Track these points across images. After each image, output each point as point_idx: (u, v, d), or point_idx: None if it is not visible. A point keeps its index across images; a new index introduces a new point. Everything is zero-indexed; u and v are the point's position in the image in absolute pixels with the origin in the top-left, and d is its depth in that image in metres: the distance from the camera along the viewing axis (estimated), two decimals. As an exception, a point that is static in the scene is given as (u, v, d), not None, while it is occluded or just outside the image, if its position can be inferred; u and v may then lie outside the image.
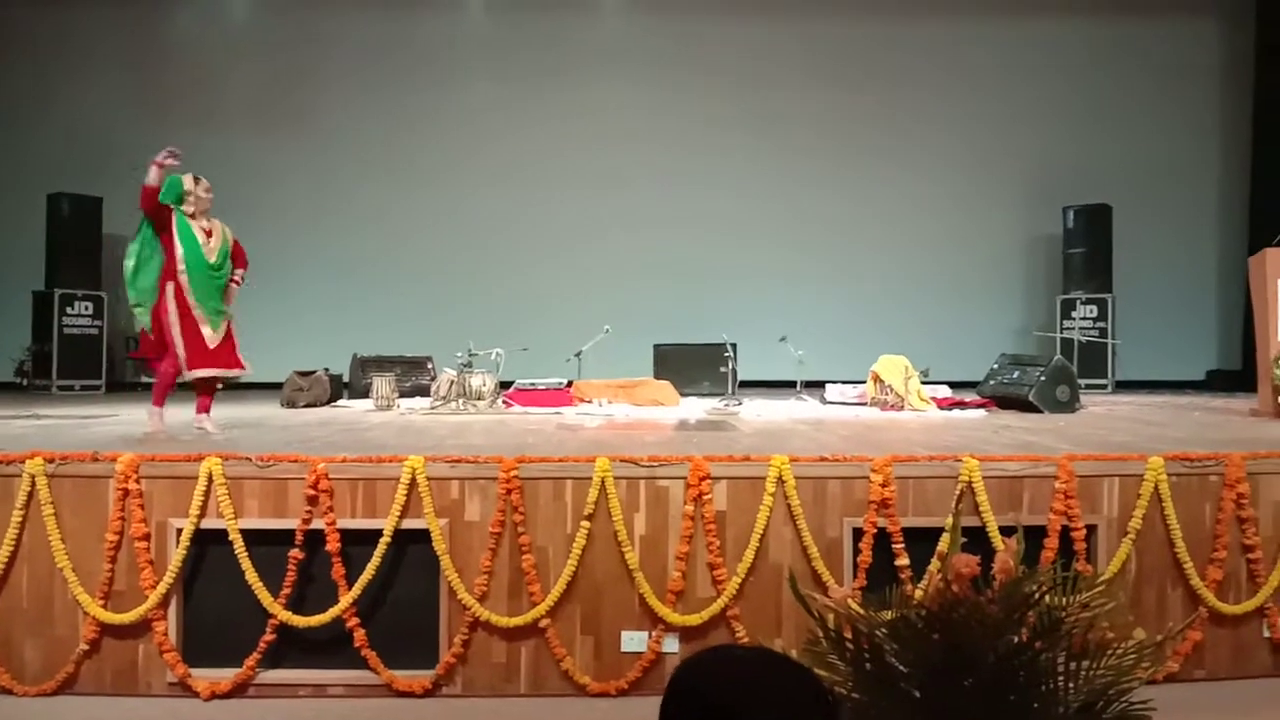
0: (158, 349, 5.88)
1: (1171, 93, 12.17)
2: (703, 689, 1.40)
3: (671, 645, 4.34)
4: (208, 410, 6.09)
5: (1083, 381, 9.40)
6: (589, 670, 4.33)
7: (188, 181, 5.97)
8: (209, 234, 5.90)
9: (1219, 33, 12.41)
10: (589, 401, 8.61)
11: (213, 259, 5.84)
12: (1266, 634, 4.52)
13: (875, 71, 12.16)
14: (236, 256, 6.11)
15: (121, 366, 11.92)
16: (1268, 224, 10.12)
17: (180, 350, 5.74)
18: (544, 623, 4.30)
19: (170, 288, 5.75)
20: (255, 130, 11.90)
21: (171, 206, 5.82)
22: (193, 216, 5.89)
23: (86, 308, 11.07)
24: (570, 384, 8.99)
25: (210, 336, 5.82)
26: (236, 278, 6.09)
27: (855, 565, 4.36)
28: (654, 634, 4.33)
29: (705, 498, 4.35)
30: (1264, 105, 11.88)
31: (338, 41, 12.11)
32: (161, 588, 4.25)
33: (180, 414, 6.15)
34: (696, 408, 8.58)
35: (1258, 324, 7.75)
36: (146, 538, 4.29)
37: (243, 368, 6.07)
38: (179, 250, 5.73)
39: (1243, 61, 12.19)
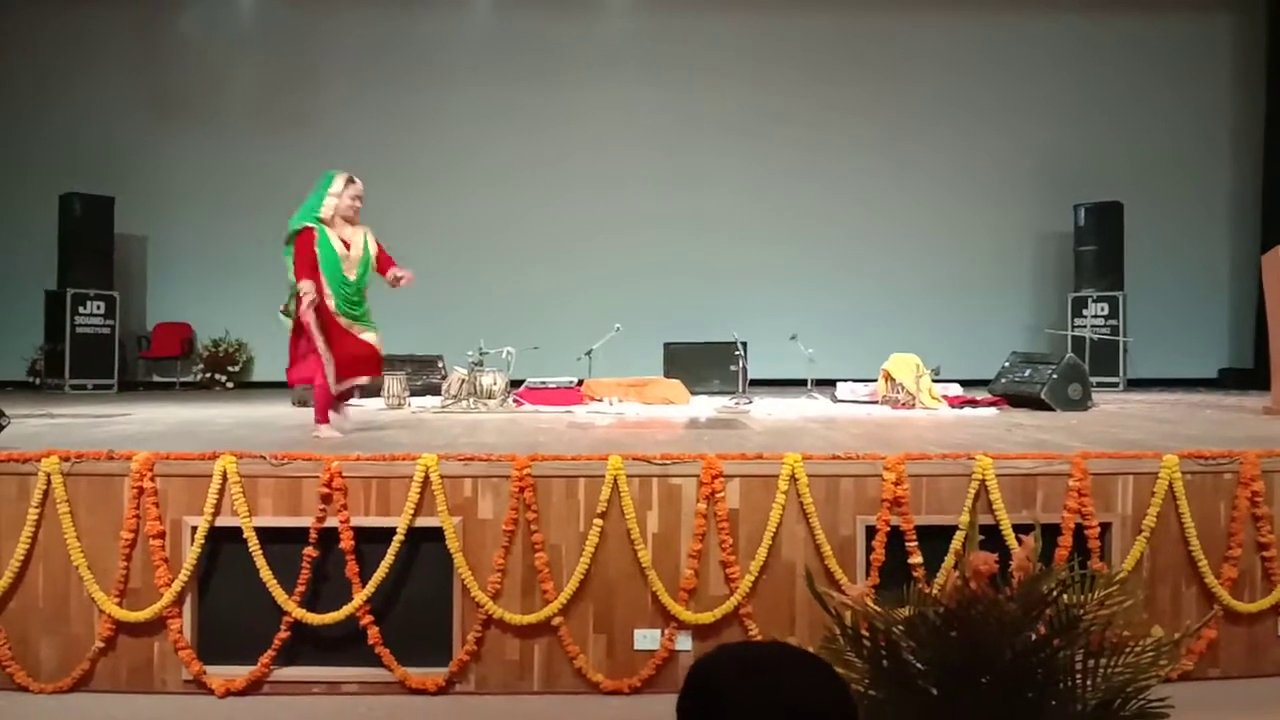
0: (309, 368, 5.57)
1: (1183, 89, 12.11)
2: (720, 684, 1.40)
3: (684, 643, 4.34)
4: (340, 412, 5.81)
5: (1094, 379, 9.36)
6: (602, 668, 4.34)
7: (338, 182, 5.60)
8: (348, 245, 5.52)
9: (1231, 28, 12.34)
10: (600, 400, 8.61)
11: (351, 275, 5.51)
12: (1282, 632, 4.50)
13: (882, 68, 12.13)
14: (381, 263, 5.72)
15: (134, 366, 11.97)
16: (1280, 221, 10.09)
17: (329, 362, 5.46)
18: (557, 620, 4.30)
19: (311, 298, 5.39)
20: (262, 130, 11.93)
21: (312, 229, 5.43)
22: (330, 223, 5.50)
23: (99, 307, 11.10)
24: (581, 383, 8.99)
25: (354, 345, 5.54)
26: (403, 277, 5.73)
27: (868, 563, 4.36)
28: (667, 632, 4.33)
29: (718, 496, 4.36)
30: (1276, 101, 11.81)
31: (342, 41, 12.12)
32: (176, 585, 4.28)
33: (192, 414, 6.14)
34: (707, 406, 8.58)
35: (1270, 322, 7.71)
36: (161, 535, 4.31)
37: (379, 372, 5.90)
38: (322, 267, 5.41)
39: (1255, 57, 12.13)
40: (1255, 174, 12.11)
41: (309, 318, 5.39)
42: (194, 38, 12.06)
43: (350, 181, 5.63)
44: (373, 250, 5.67)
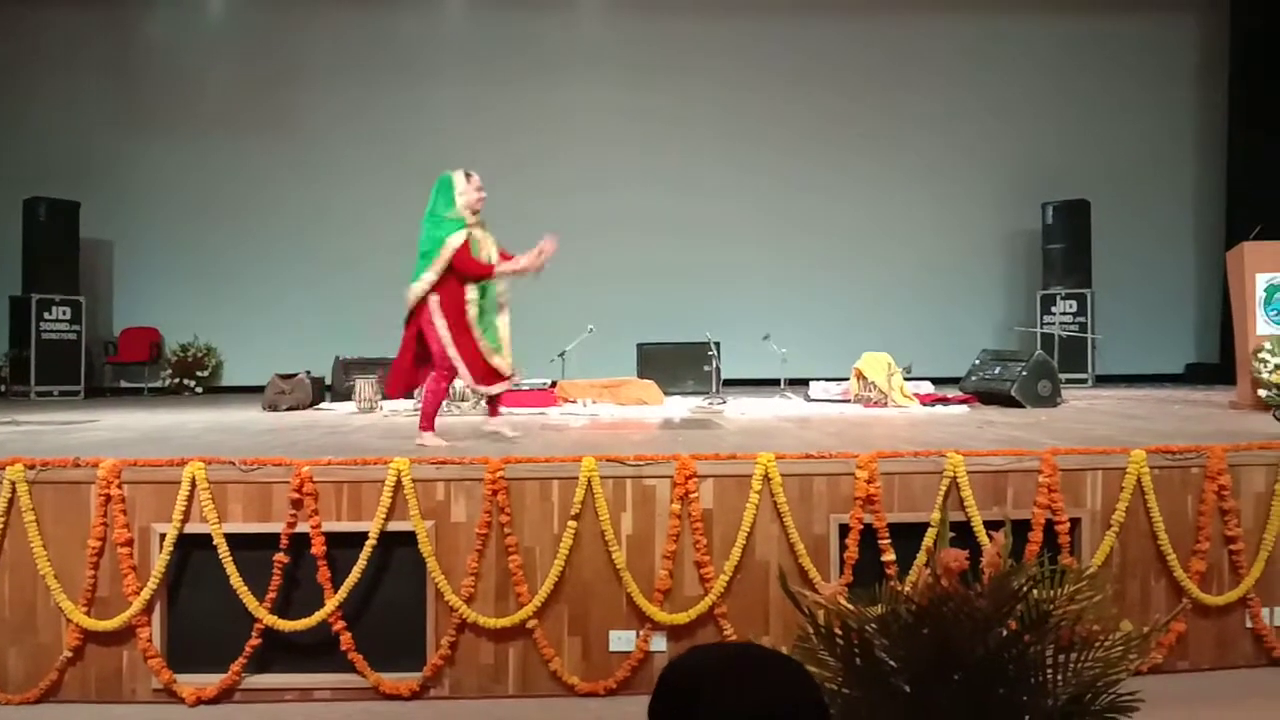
0: (413, 375, 5.45)
1: (1149, 89, 12.25)
2: (692, 686, 1.40)
3: (659, 644, 4.34)
4: (499, 414, 5.77)
5: (1063, 376, 9.46)
6: (577, 670, 4.33)
7: (459, 180, 5.41)
8: (481, 247, 5.37)
9: (1196, 29, 12.50)
10: (573, 401, 8.60)
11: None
12: (1249, 625, 4.56)
13: (853, 70, 12.19)
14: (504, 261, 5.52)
15: (101, 372, 11.83)
16: (1245, 218, 10.18)
17: (464, 368, 5.28)
18: (531, 623, 4.29)
19: (436, 301, 5.25)
20: (233, 133, 11.83)
21: (467, 241, 5.27)
22: (472, 230, 5.33)
23: (64, 313, 10.97)
24: (554, 384, 8.97)
25: (489, 351, 5.35)
26: (544, 250, 5.47)
27: (842, 561, 4.38)
28: (642, 633, 4.33)
29: (692, 496, 4.36)
30: (1240, 101, 11.98)
31: (314, 43, 12.04)
32: (145, 593, 4.22)
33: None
34: (681, 406, 8.59)
35: (1235, 317, 7.83)
36: (129, 543, 4.26)
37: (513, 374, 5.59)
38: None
39: (1219, 58, 12.29)
40: (1220, 172, 12.28)
41: (472, 313, 5.27)
42: (162, 41, 11.95)
43: (469, 176, 5.44)
44: (496, 251, 5.47)
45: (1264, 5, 11.47)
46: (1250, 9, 11.83)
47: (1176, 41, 12.45)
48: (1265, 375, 7.16)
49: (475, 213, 5.39)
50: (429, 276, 5.25)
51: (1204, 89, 12.41)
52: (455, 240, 5.25)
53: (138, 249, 11.89)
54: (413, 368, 5.43)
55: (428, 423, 5.34)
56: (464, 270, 5.25)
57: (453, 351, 5.24)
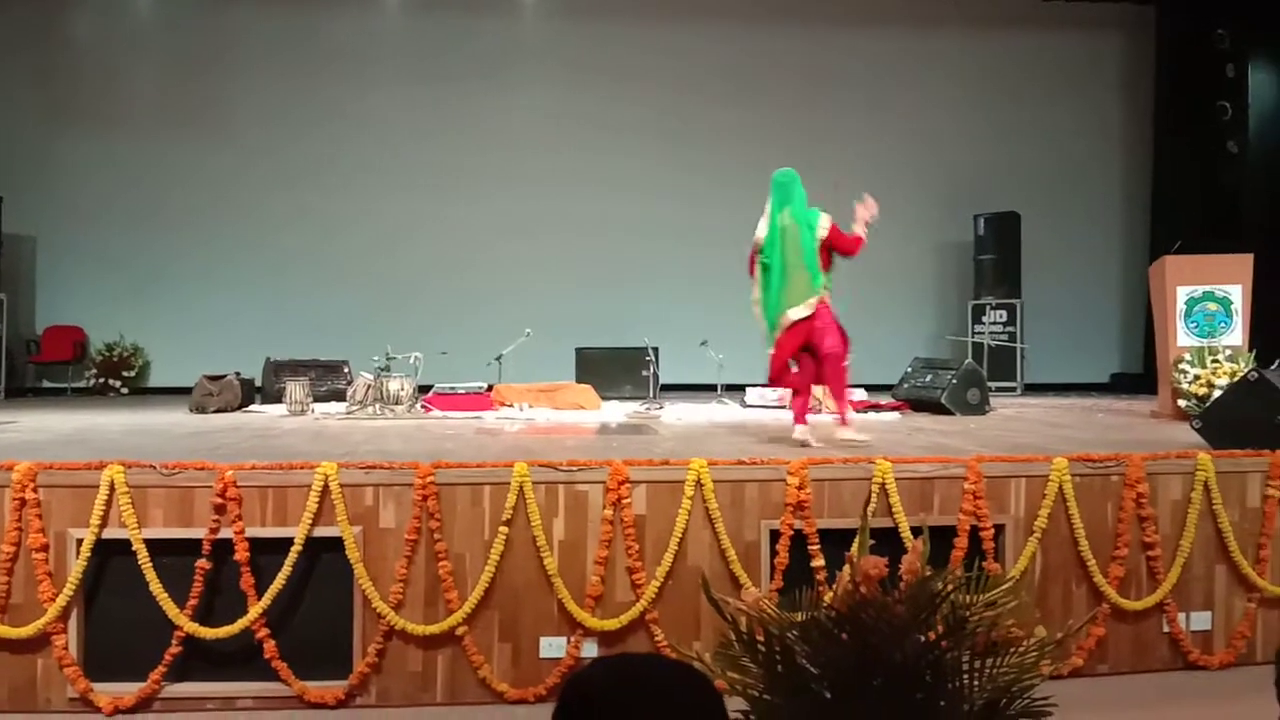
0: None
1: (1079, 104, 12.55)
2: (594, 697, 1.40)
3: (591, 650, 4.33)
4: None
5: (993, 384, 9.65)
6: (507, 677, 4.30)
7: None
8: None
9: (1122, 46, 12.83)
10: (510, 405, 8.56)
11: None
12: (1166, 629, 4.68)
13: (788, 79, 12.29)
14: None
15: (22, 371, 11.48)
16: (1167, 232, 10.52)
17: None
18: (461, 630, 4.25)
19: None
20: (162, 129, 11.56)
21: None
22: None
23: (-15, 310, 10.64)
24: (491, 388, 8.92)
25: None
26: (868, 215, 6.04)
27: (773, 567, 4.41)
28: (573, 639, 4.31)
29: (624, 502, 4.35)
30: (1163, 116, 12.33)
31: (242, 39, 11.81)
32: (61, 600, 4.11)
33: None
34: (618, 411, 8.59)
35: (1157, 329, 8.06)
36: (45, 549, 4.14)
37: None
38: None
39: (1144, 74, 12.63)
40: (1145, 186, 12.62)
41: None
42: (86, 35, 11.66)
43: None
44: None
45: (1189, 20, 11.80)
46: (1175, 24, 12.16)
47: (1103, 55, 12.77)
48: (1185, 386, 7.37)
49: None
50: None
51: (1130, 102, 12.75)
52: (828, 221, 5.87)
53: (62, 245, 11.56)
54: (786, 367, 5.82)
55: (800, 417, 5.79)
56: (848, 250, 5.94)
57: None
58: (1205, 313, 7.67)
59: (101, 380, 11.30)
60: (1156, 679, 4.61)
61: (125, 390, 11.25)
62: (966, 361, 8.58)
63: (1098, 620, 4.53)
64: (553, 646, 4.33)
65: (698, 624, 4.40)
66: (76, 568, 4.13)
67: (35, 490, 4.16)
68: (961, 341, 11.13)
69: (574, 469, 4.41)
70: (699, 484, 4.41)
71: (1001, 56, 12.45)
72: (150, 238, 11.54)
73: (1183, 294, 7.71)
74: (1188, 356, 7.50)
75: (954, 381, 8.17)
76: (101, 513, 4.14)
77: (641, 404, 8.95)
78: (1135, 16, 12.67)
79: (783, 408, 8.53)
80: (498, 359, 9.15)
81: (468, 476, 4.37)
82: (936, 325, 12.37)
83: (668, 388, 10.10)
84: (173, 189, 11.58)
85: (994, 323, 11.73)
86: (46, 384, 11.59)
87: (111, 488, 4.16)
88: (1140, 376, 11.63)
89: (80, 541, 4.14)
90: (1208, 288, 7.67)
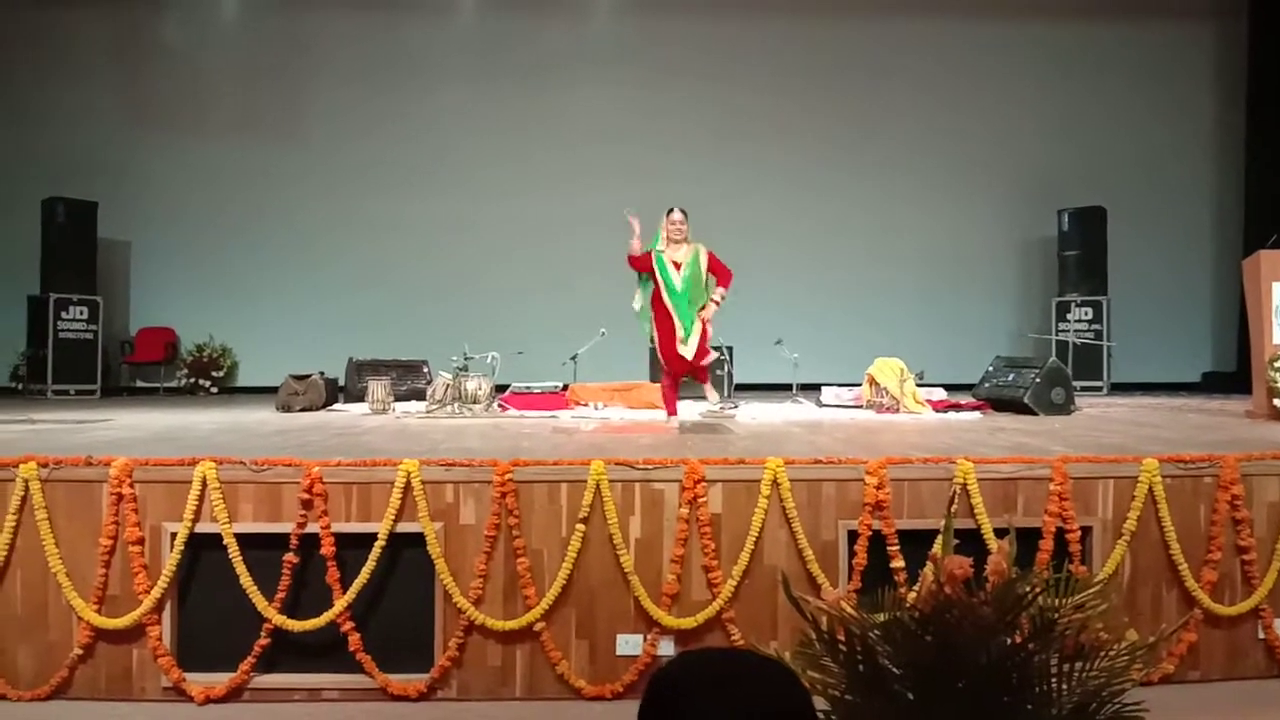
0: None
1: (1166, 95, 12.20)
2: (680, 693, 1.40)
3: (667, 648, 4.32)
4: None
5: (1078, 384, 9.41)
6: (584, 674, 4.33)
7: (663, 220, 7.04)
8: (678, 266, 7.00)
9: (1213, 35, 12.44)
10: (585, 405, 8.61)
11: (679, 288, 6.98)
12: (1261, 635, 4.52)
13: (868, 73, 12.18)
14: (717, 273, 7.08)
15: (117, 371, 11.91)
16: (1262, 226, 10.15)
17: (660, 356, 7.19)
18: (539, 626, 4.29)
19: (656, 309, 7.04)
20: (251, 135, 11.93)
21: (652, 253, 7.00)
22: (665, 250, 6.99)
23: (81, 312, 11.06)
24: (566, 387, 8.98)
25: (681, 340, 7.00)
26: (716, 298, 7.07)
27: (850, 568, 4.36)
28: (649, 637, 4.32)
29: (700, 500, 4.35)
30: (1257, 106, 11.91)
31: (326, 45, 12.11)
32: (156, 592, 4.25)
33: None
34: (692, 411, 8.57)
35: (1252, 326, 7.77)
36: (141, 542, 4.28)
37: (707, 354, 7.15)
38: (659, 283, 7.02)
39: (1236, 63, 12.23)
40: (1238, 179, 12.20)
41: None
42: (178, 42, 12.05)
43: (668, 213, 7.16)
44: (702, 265, 7.09)
45: (1283, 14, 11.41)
46: (1269, 18, 11.75)
47: (1194, 48, 12.39)
48: (1281, 384, 7.09)
49: (674, 241, 7.05)
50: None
51: (1222, 95, 12.34)
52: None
53: (154, 249, 11.98)
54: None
55: (670, 407, 7.44)
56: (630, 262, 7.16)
57: (658, 344, 7.24)
58: (1303, 309, 7.38)
59: (192, 380, 11.67)
60: (1250, 687, 4.46)
61: (214, 389, 11.61)
62: (1051, 360, 8.38)
63: (1189, 625, 4.39)
64: (629, 644, 4.34)
65: (774, 623, 4.37)
66: (171, 560, 4.27)
67: (132, 485, 4.30)
68: (1045, 339, 10.88)
69: (650, 467, 4.42)
70: (775, 483, 4.39)
71: (1089, 47, 12.17)
72: (239, 241, 11.89)
73: (1278, 290, 7.43)
74: (1284, 354, 7.23)
75: (1037, 380, 7.99)
76: (194, 507, 4.27)
77: (716, 403, 8.92)
78: (1227, 5, 12.26)
79: (859, 407, 8.45)
80: (573, 359, 9.22)
81: (545, 474, 4.41)
82: (1018, 323, 12.12)
83: (742, 387, 10.07)
84: (261, 193, 11.92)
85: (1079, 320, 11.45)
86: (140, 383, 12.02)
87: (204, 483, 4.29)
88: (1233, 375, 11.26)
89: (174, 535, 4.28)
90: (1306, 283, 7.38)
